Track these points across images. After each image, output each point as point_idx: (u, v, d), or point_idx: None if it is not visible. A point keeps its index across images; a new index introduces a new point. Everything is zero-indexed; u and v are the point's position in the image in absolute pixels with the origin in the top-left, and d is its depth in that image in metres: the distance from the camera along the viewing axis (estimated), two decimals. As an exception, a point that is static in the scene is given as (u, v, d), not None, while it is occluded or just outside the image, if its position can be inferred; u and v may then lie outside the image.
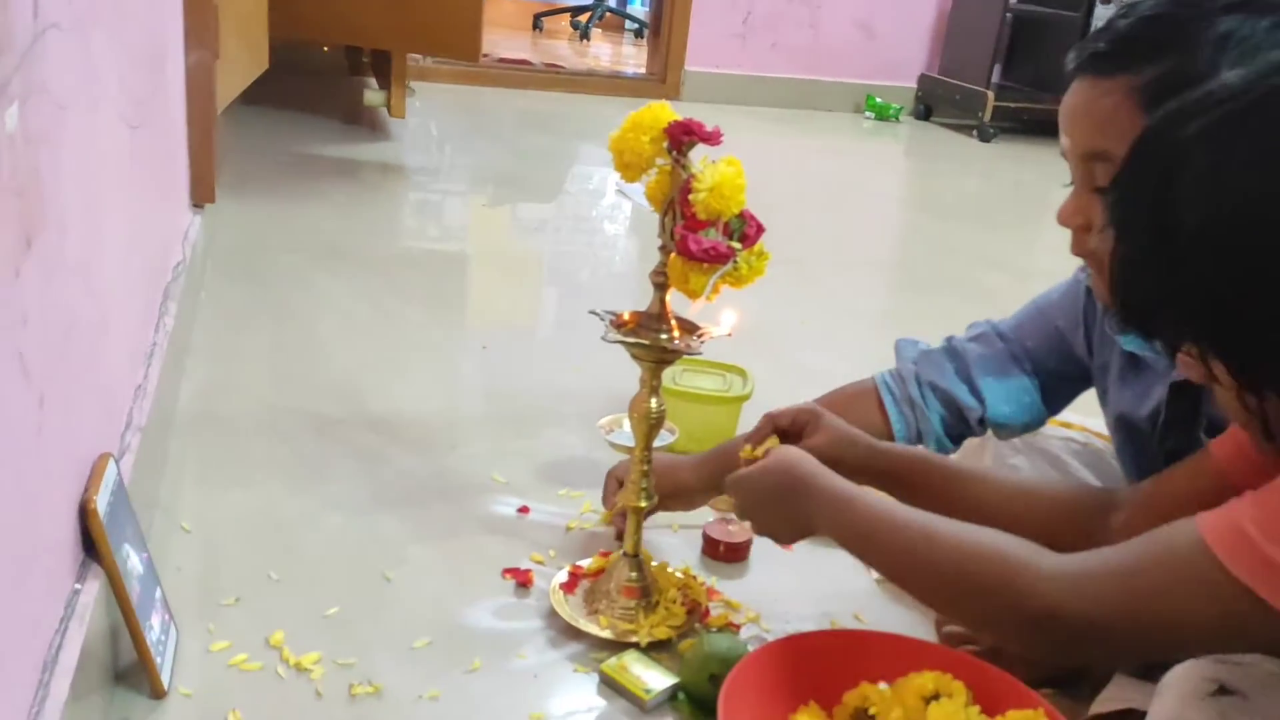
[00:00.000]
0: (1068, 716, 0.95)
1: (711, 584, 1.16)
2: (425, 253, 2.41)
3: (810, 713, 0.89)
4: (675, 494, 1.13)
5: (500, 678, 0.99)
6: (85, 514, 0.85)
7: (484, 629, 1.06)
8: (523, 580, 1.13)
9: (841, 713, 0.89)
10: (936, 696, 0.87)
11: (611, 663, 1.00)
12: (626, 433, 1.16)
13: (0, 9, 0.65)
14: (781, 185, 3.28)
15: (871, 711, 0.87)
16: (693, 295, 0.97)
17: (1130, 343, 0.96)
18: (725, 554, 1.22)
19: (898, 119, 4.39)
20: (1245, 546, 0.62)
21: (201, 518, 1.19)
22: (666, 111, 0.97)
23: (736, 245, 0.96)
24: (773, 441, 0.97)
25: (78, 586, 0.85)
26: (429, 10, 2.67)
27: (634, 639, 1.04)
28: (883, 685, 0.89)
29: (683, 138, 0.95)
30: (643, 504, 1.07)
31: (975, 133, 4.08)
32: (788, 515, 0.91)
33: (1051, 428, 1.17)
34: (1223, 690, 0.78)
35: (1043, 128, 3.87)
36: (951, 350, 1.10)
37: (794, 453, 0.92)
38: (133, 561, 0.92)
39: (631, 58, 5.49)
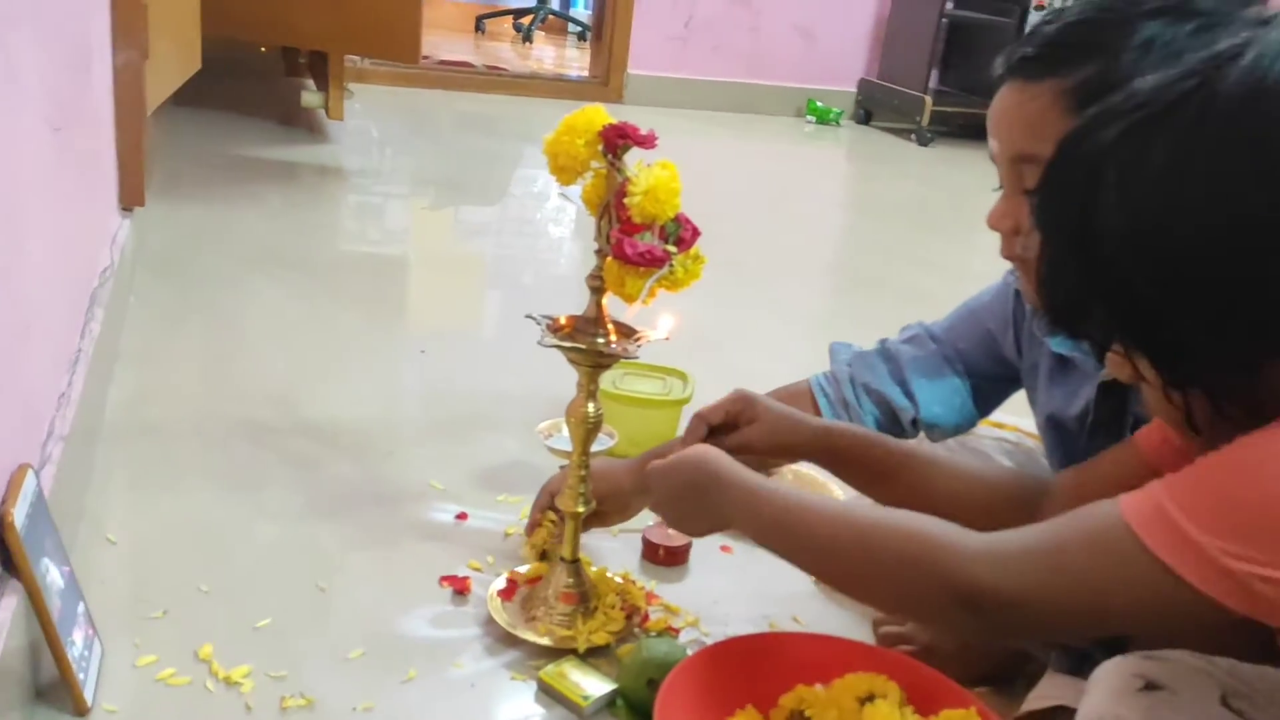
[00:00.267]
0: (1001, 714, 0.96)
1: (651, 588, 1.16)
2: (364, 256, 2.38)
3: (747, 716, 0.89)
4: (612, 498, 1.12)
5: (436, 687, 0.98)
6: (1, 527, 0.82)
7: (420, 638, 1.05)
8: (460, 588, 1.12)
9: (778, 715, 0.89)
10: (871, 698, 0.87)
11: (549, 670, 1.00)
12: (565, 437, 1.15)
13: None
14: (723, 189, 3.29)
15: (807, 714, 0.88)
16: (629, 299, 0.97)
17: (1059, 344, 0.97)
18: (665, 558, 1.22)
19: (838, 123, 4.43)
20: (1164, 525, 0.63)
21: (128, 529, 1.16)
22: (601, 114, 0.97)
23: (672, 249, 0.96)
24: None
25: (-6, 602, 0.82)
26: (367, 12, 2.64)
27: (572, 645, 1.03)
28: (819, 687, 0.89)
29: (617, 141, 0.95)
30: (580, 509, 1.06)
31: (914, 137, 4.13)
32: (699, 510, 0.90)
33: (984, 427, 1.18)
34: (1149, 686, 0.79)
35: (979, 132, 3.90)
36: (885, 352, 1.11)
37: (705, 449, 0.91)
38: (53, 575, 0.89)
39: (575, 61, 5.49)
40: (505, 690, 0.99)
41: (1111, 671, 0.82)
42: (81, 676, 0.89)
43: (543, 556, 1.13)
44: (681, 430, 1.43)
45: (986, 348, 1.08)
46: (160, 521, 1.19)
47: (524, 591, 1.09)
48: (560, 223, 2.78)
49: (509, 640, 1.05)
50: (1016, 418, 1.20)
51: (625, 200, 0.95)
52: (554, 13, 6.28)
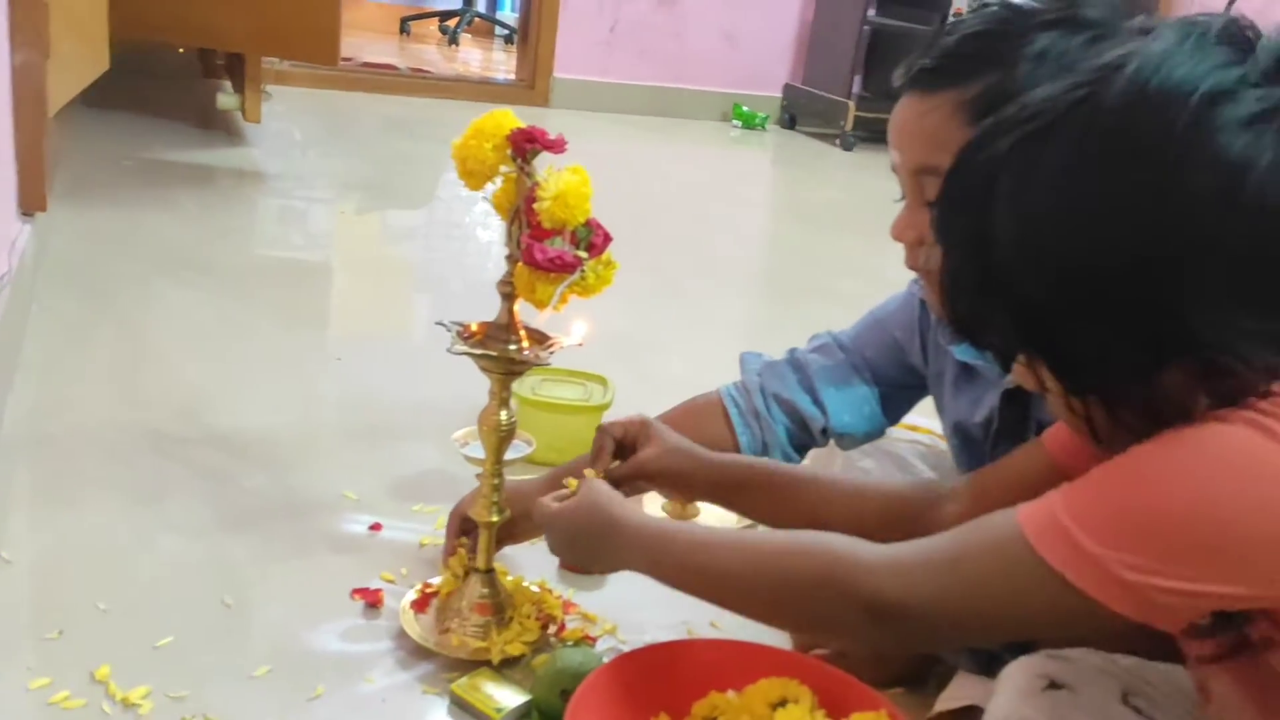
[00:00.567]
0: (914, 715, 0.97)
1: (569, 597, 1.15)
2: (281, 261, 2.33)
3: (661, 724, 0.88)
4: (525, 516, 1.10)
5: (345, 704, 0.96)
6: (-123, 548, 0.78)
7: (330, 653, 1.02)
8: (372, 600, 1.10)
9: (691, 723, 0.89)
10: (784, 703, 0.87)
11: (462, 682, 0.98)
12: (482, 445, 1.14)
13: None
14: (648, 193, 3.30)
15: (720, 720, 0.87)
16: (540, 305, 0.96)
17: (963, 352, 0.98)
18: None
19: (764, 128, 4.46)
20: (1059, 536, 0.63)
21: (24, 546, 1.12)
22: (510, 118, 0.96)
23: (583, 254, 0.95)
24: (571, 483, 0.94)
25: None
26: (284, 13, 2.59)
27: (486, 657, 1.01)
28: (731, 694, 0.89)
29: (525, 145, 0.94)
30: (494, 519, 1.05)
31: (838, 141, 4.17)
32: (595, 555, 0.90)
33: (899, 431, 1.19)
34: (1053, 685, 0.80)
35: (901, 137, 3.98)
36: (794, 361, 1.11)
37: (598, 492, 0.90)
38: (-64, 597, 0.85)
39: (502, 64, 5.45)
40: (417, 705, 0.97)
41: (1017, 672, 0.83)
42: (-33, 703, 0.85)
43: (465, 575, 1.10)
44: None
45: (893, 356, 1.09)
46: (58, 538, 1.15)
47: (438, 603, 1.08)
48: (489, 227, 2.75)
49: (422, 654, 1.03)
50: (931, 421, 1.21)
51: (535, 205, 0.94)
52: (480, 15, 6.24)
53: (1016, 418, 0.96)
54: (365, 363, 1.76)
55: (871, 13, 4.05)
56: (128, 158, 2.72)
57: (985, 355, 0.97)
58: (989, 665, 0.92)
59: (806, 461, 1.15)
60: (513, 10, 6.49)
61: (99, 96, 2.38)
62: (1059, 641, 0.85)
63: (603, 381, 1.52)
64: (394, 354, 1.88)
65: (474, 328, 1.02)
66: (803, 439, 1.10)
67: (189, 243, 2.22)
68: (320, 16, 2.60)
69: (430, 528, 1.25)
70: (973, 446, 1.02)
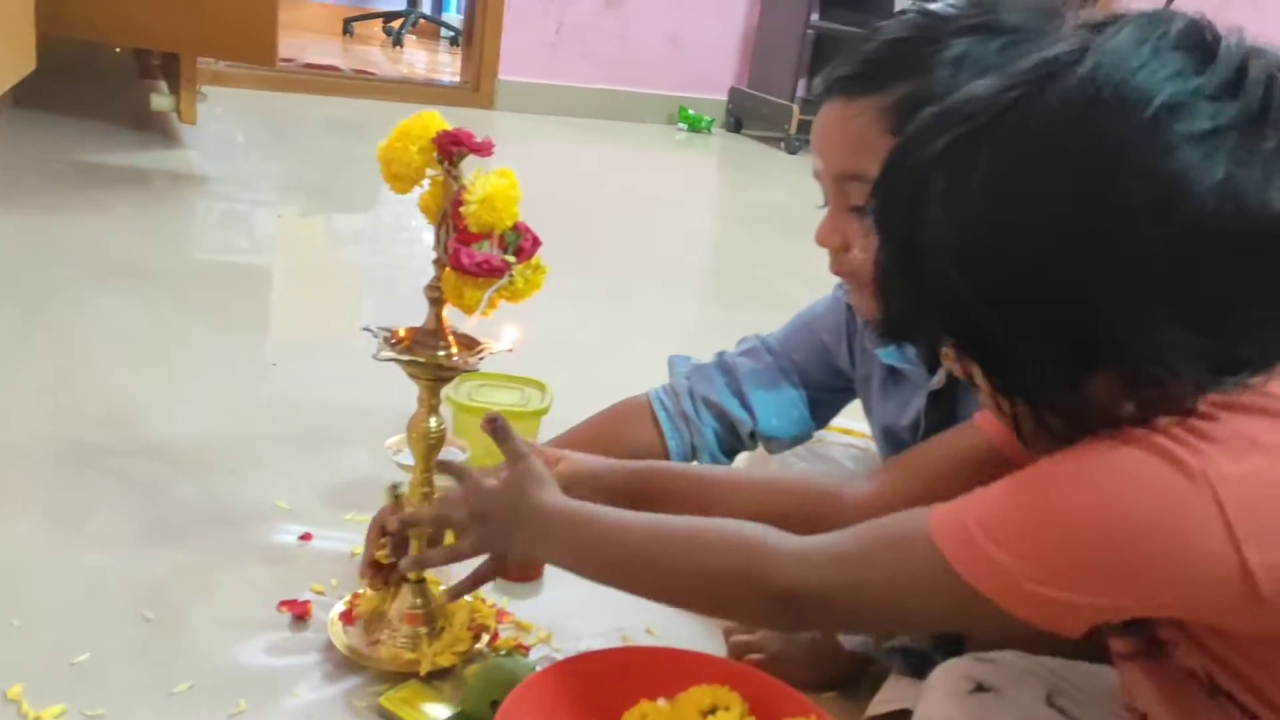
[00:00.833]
0: (847, 718, 0.97)
1: (503, 605, 1.14)
2: (219, 266, 2.29)
3: (590, 735, 0.87)
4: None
5: (268, 719, 0.94)
6: None
7: (254, 668, 1.00)
8: (300, 613, 1.08)
9: (622, 732, 0.88)
10: (714, 710, 0.87)
11: (391, 695, 0.96)
12: (415, 453, 1.12)
13: None
14: (593, 196, 3.29)
15: (651, 729, 0.86)
16: (468, 310, 0.95)
17: (889, 355, 0.99)
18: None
19: (710, 131, 4.47)
20: (968, 544, 0.63)
21: (-64, 562, 1.08)
22: (436, 120, 0.94)
23: (511, 259, 0.94)
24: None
25: None
26: (219, 12, 2.54)
27: (416, 669, 1.00)
28: (662, 702, 0.88)
29: (452, 148, 0.92)
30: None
31: (783, 145, 4.20)
32: (510, 533, 0.88)
33: (833, 434, 1.20)
34: (979, 688, 0.81)
35: (846, 141, 4.01)
36: (722, 365, 1.11)
37: (531, 470, 0.88)
38: None
39: (448, 65, 5.41)
40: (343, 719, 0.95)
41: (944, 674, 0.84)
42: None
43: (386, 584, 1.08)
44: (540, 442, 1.42)
45: (821, 359, 1.09)
46: (-27, 553, 1.11)
47: (365, 615, 1.06)
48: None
49: (350, 666, 1.01)
50: (864, 423, 1.22)
51: (461, 209, 0.92)
52: (425, 17, 6.19)
53: (942, 418, 0.97)
54: (302, 369, 1.73)
55: (815, 17, 4.08)
56: (58, 160, 2.66)
57: (910, 358, 0.98)
58: (921, 668, 0.93)
59: (738, 465, 1.14)
60: (458, 12, 6.45)
61: (29, 97, 2.32)
62: (986, 644, 0.86)
63: (541, 387, 1.51)
64: (332, 359, 1.85)
65: (402, 333, 1.01)
66: (731, 442, 1.10)
67: (122, 247, 2.17)
68: (257, 16, 2.56)
69: (362, 537, 1.23)
70: (901, 449, 1.02)
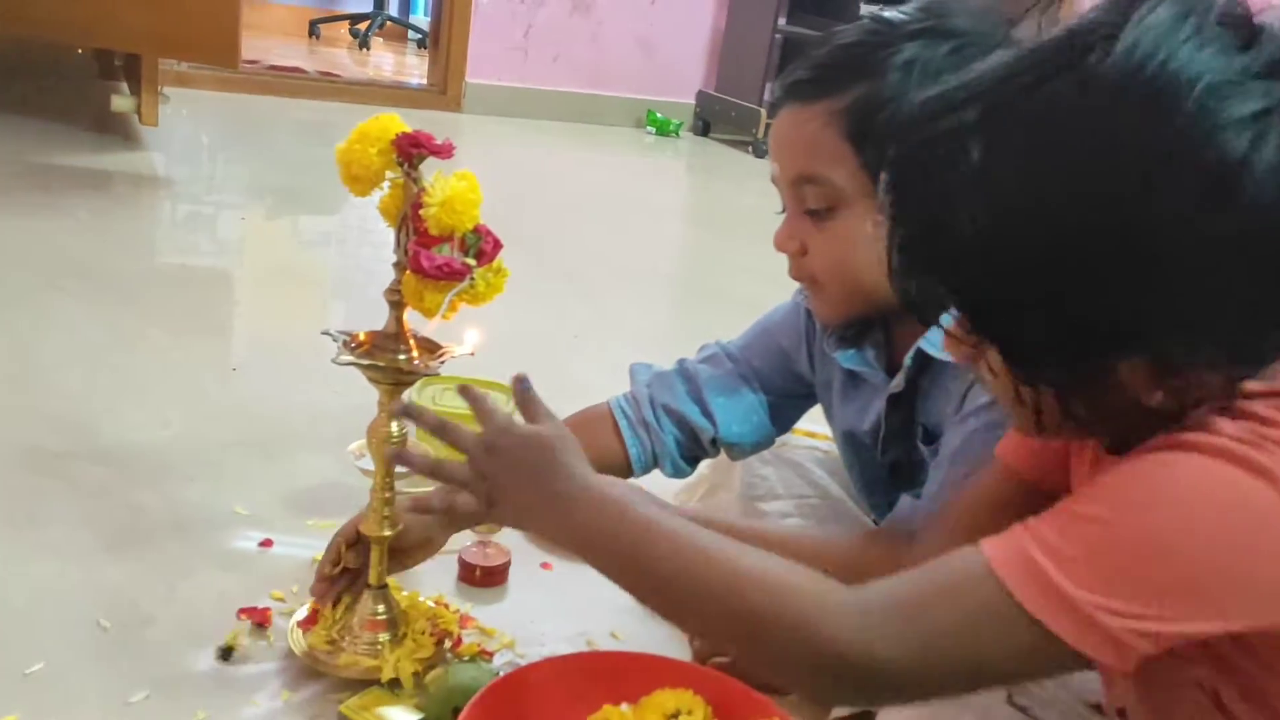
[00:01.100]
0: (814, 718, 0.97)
1: (466, 611, 1.13)
2: (181, 270, 2.26)
3: (553, 740, 0.87)
4: (423, 545, 1.07)
5: (227, 728, 0.93)
6: None
7: (213, 676, 0.99)
8: (260, 620, 1.06)
9: (585, 738, 0.87)
10: (678, 715, 0.86)
11: (352, 702, 0.95)
12: (377, 458, 1.11)
13: None
14: (560, 199, 3.29)
15: (614, 734, 0.86)
16: (428, 314, 0.94)
17: (848, 359, 0.99)
18: (482, 579, 1.19)
19: (678, 134, 4.48)
20: (1036, 577, 0.58)
21: (-115, 571, 1.06)
22: (396, 123, 0.93)
23: (472, 261, 0.93)
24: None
25: None
26: (181, 12, 2.51)
27: (378, 676, 0.98)
28: (625, 707, 0.88)
29: (411, 150, 0.91)
30: (386, 533, 1.02)
31: (750, 149, 4.21)
32: (531, 498, 0.75)
33: (798, 438, 1.20)
34: None
35: (813, 144, 4.03)
36: (683, 372, 1.11)
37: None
38: None
39: (415, 68, 5.38)
40: (303, 727, 0.94)
41: None
42: None
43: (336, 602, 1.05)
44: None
45: (781, 365, 1.09)
46: (-77, 562, 1.09)
47: (326, 622, 1.04)
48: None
49: (311, 674, 1.00)
50: (828, 428, 1.22)
51: (421, 212, 0.91)
52: (392, 19, 6.16)
53: (902, 421, 0.97)
54: (263, 373, 1.71)
55: (782, 21, 4.10)
56: (15, 162, 2.62)
57: (870, 362, 0.98)
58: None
59: (703, 470, 1.14)
60: (426, 14, 6.42)
61: (-16, 98, 2.29)
62: None
63: (506, 391, 1.49)
64: (294, 364, 1.83)
65: (362, 337, 0.99)
66: (693, 449, 1.10)
67: (80, 251, 2.13)
68: (219, 17, 2.53)
69: (324, 543, 1.20)
70: (863, 453, 1.02)
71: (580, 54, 4.43)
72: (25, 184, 2.49)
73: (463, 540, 1.20)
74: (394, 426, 1.01)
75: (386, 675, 0.98)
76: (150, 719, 0.92)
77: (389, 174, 0.94)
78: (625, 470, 1.10)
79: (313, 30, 5.85)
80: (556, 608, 1.17)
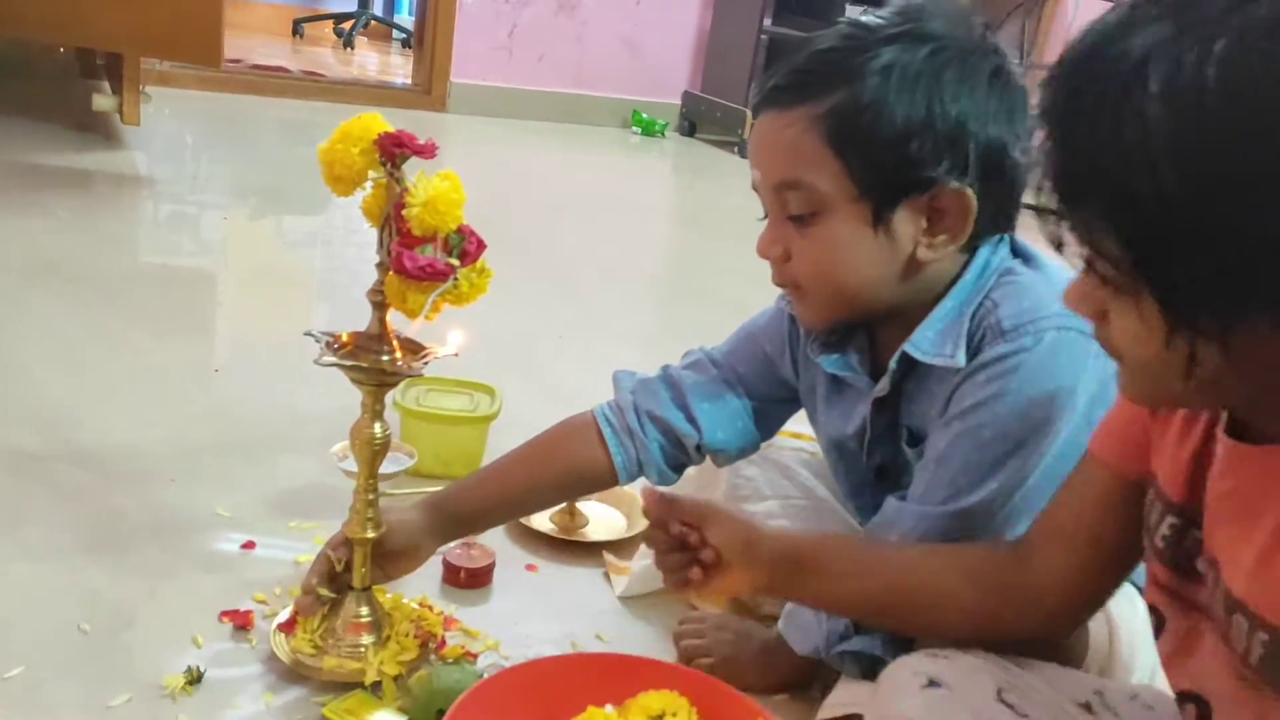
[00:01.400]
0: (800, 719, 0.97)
1: (450, 613, 1.12)
2: (163, 270, 2.24)
3: (537, 743, 0.86)
4: (410, 553, 1.06)
5: (208, 732, 0.92)
6: None
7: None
8: (242, 623, 1.05)
9: (570, 740, 0.87)
10: (663, 716, 0.86)
11: (335, 705, 0.95)
12: (360, 459, 1.10)
13: None
14: (547, 199, 3.28)
15: (599, 736, 0.86)
16: (411, 314, 0.93)
17: (832, 364, 0.99)
18: (466, 580, 1.18)
19: (663, 135, 4.48)
20: None
21: None
22: (378, 122, 0.93)
23: (455, 262, 0.92)
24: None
25: None
26: (163, 11, 2.49)
27: (361, 678, 0.98)
28: (610, 708, 0.88)
29: (394, 150, 0.91)
30: (369, 535, 1.01)
31: (736, 149, 4.21)
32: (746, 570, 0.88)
33: (783, 439, 1.19)
34: (931, 683, 0.81)
35: (798, 145, 4.04)
36: (667, 378, 1.10)
37: (735, 527, 0.89)
38: None
39: (400, 68, 5.37)
40: (286, 730, 0.94)
41: (897, 670, 0.83)
42: None
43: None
44: (490, 447, 1.41)
45: (765, 370, 1.09)
46: (-100, 565, 1.08)
47: (309, 625, 1.03)
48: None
49: (294, 677, 0.99)
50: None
51: (404, 212, 0.91)
52: (376, 18, 6.14)
53: (887, 424, 0.97)
54: (246, 374, 1.70)
55: (768, 22, 4.10)
56: (-4, 161, 2.60)
57: (854, 365, 0.98)
58: (872, 670, 0.93)
59: (689, 472, 1.14)
60: (410, 14, 6.40)
61: (-37, 97, 2.27)
62: (939, 643, 0.86)
63: (490, 391, 1.50)
64: (277, 364, 1.82)
65: (345, 338, 0.99)
66: (678, 457, 1.09)
67: (60, 250, 2.12)
68: (201, 16, 2.51)
69: (307, 545, 1.21)
70: (849, 458, 1.02)
71: (565, 54, 4.42)
72: (5, 183, 2.47)
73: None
74: (376, 428, 1.00)
75: (370, 678, 0.97)
76: (131, 723, 0.91)
77: (372, 174, 0.94)
78: (610, 478, 1.09)
79: (296, 29, 5.83)
80: (541, 609, 1.16)
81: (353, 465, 1.21)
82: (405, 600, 1.09)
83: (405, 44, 5.91)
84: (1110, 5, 0.59)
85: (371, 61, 5.58)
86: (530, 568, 1.24)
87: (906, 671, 0.83)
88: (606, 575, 1.24)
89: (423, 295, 0.92)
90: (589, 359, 1.95)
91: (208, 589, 1.11)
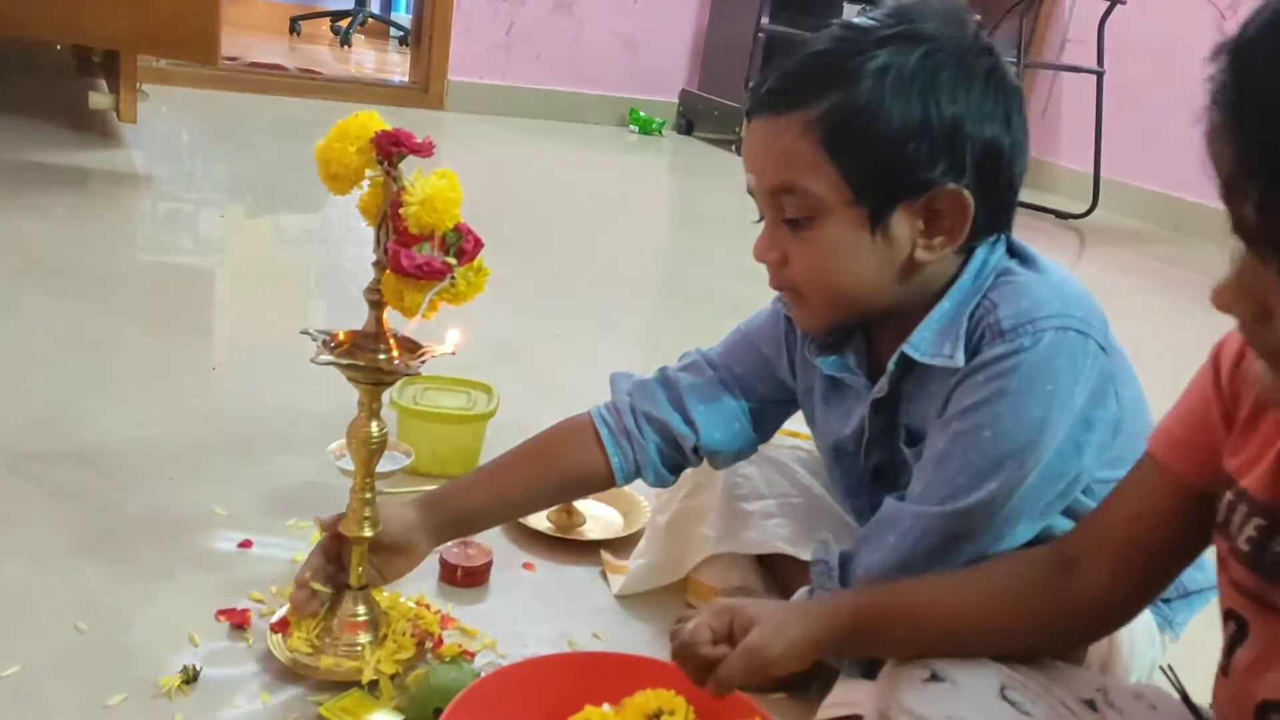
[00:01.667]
0: (799, 719, 0.97)
1: (448, 611, 1.12)
2: (159, 268, 2.24)
3: (534, 742, 0.86)
4: (406, 552, 1.06)
5: (205, 731, 0.92)
6: None
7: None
8: (238, 621, 1.05)
9: (567, 739, 0.87)
10: (660, 715, 0.86)
11: (331, 704, 0.94)
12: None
13: None
14: (544, 197, 3.28)
15: (596, 735, 0.86)
16: (408, 313, 0.93)
17: (829, 366, 0.99)
18: (463, 579, 1.18)
19: (661, 133, 4.48)
20: None
21: None
22: (375, 120, 0.93)
23: (452, 261, 0.92)
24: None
25: None
26: (160, 8, 2.49)
27: (358, 677, 0.98)
28: (607, 707, 0.88)
29: (391, 148, 0.91)
30: (366, 533, 1.01)
31: (734, 148, 4.21)
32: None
33: (781, 437, 1.19)
34: (934, 677, 0.81)
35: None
36: (664, 380, 1.10)
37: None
38: None
39: (397, 65, 5.37)
40: (283, 730, 0.93)
41: (900, 664, 0.83)
42: None
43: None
44: (487, 446, 1.41)
45: (762, 371, 1.08)
46: (-104, 564, 1.08)
47: (304, 625, 1.03)
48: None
49: (290, 676, 0.99)
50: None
51: (401, 210, 0.91)
52: (374, 16, 6.15)
53: (885, 425, 0.97)
54: (243, 372, 1.70)
55: (766, 20, 4.10)
56: (-9, 159, 2.60)
57: (852, 367, 0.98)
58: (871, 669, 0.93)
59: (688, 472, 1.14)
60: (407, 11, 6.40)
61: (-42, 94, 2.27)
62: None
63: (487, 390, 1.50)
64: (274, 363, 1.82)
65: (341, 336, 0.99)
66: (675, 458, 1.09)
67: (56, 249, 2.12)
68: (199, 14, 2.51)
69: (304, 544, 1.20)
70: (846, 459, 1.02)
71: (563, 52, 4.42)
72: (1, 181, 2.46)
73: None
74: (373, 427, 1.00)
75: (367, 677, 0.97)
76: (127, 722, 0.91)
77: (368, 172, 0.93)
78: (607, 480, 1.09)
79: (293, 27, 5.83)
80: (538, 608, 1.16)
81: (350, 464, 1.20)
82: (402, 599, 1.09)
83: (402, 42, 5.91)
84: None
85: (369, 59, 5.58)
86: (527, 566, 1.24)
87: (909, 664, 0.83)
88: (603, 574, 1.24)
89: (420, 294, 0.92)
90: (586, 357, 1.94)
91: (204, 588, 1.11)
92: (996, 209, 0.90)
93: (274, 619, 1.04)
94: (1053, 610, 0.82)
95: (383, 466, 1.06)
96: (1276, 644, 0.69)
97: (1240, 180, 0.55)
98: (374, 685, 0.97)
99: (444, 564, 1.18)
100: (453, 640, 1.07)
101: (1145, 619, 0.91)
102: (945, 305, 0.90)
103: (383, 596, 1.07)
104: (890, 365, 0.93)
